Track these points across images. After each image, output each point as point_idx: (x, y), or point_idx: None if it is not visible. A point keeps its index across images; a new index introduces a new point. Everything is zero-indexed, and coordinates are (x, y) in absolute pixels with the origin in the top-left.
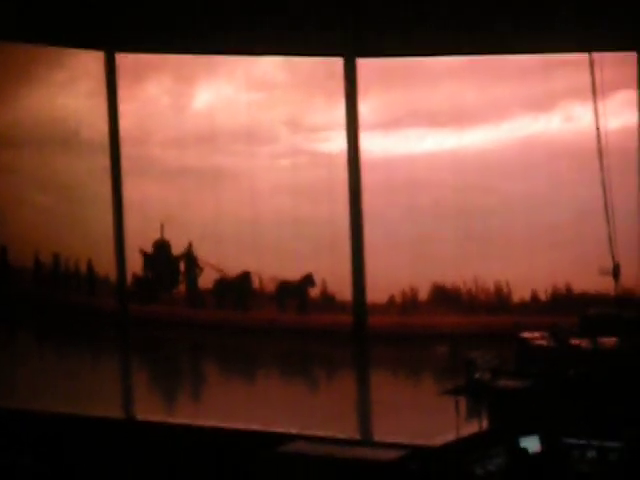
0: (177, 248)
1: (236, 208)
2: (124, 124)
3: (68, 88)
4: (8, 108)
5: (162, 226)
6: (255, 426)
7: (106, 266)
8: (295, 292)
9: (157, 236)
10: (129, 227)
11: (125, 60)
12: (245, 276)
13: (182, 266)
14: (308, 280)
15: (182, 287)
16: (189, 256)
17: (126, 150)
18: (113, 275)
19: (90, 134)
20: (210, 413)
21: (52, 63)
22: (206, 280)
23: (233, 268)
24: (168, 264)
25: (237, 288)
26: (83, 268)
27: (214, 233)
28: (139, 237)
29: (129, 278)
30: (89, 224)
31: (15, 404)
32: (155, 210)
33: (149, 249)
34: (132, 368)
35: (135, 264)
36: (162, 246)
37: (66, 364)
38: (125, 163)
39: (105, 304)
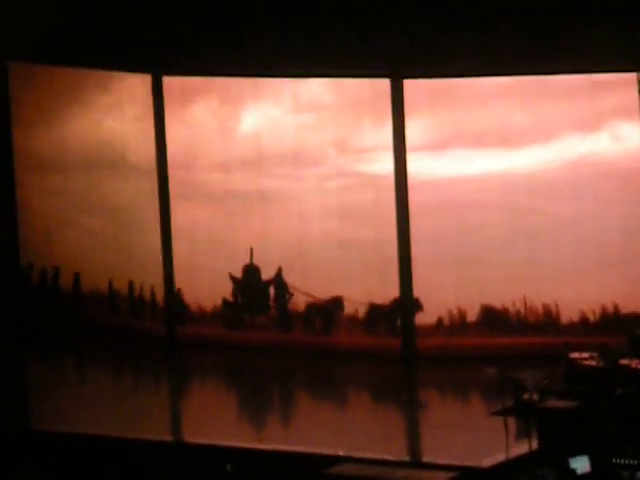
0: (224, 270)
1: (283, 231)
2: (170, 147)
3: (115, 112)
4: (55, 132)
5: (251, 251)
6: (301, 447)
7: (154, 289)
8: (387, 317)
9: (203, 259)
10: (176, 251)
11: (172, 83)
12: (336, 301)
13: (272, 291)
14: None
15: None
16: (279, 281)
17: (173, 173)
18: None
19: (137, 158)
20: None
21: (99, 87)
22: (295, 305)
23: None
24: (258, 289)
25: (327, 313)
26: (131, 291)
27: (262, 256)
28: (186, 260)
29: (219, 303)
30: (136, 247)
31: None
32: (202, 234)
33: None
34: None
35: (221, 289)
36: (251, 271)
37: (118, 388)
38: (172, 186)
39: (153, 327)
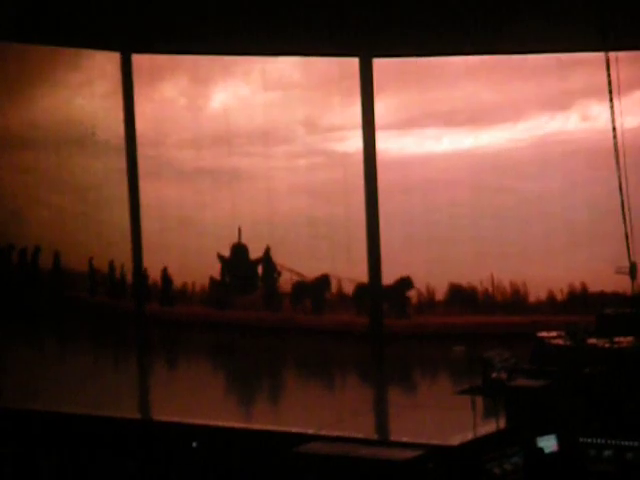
0: (194, 249)
1: (252, 209)
2: (140, 125)
3: (84, 89)
4: (25, 109)
5: (240, 230)
6: (270, 426)
7: (122, 267)
8: (392, 295)
9: (173, 237)
10: (145, 228)
11: (141, 61)
12: (323, 279)
13: (260, 270)
14: (406, 283)
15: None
16: (267, 260)
17: (142, 151)
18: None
19: (106, 135)
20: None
21: (69, 65)
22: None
23: None
24: (246, 268)
25: (315, 291)
26: (100, 269)
27: (230, 234)
28: (155, 238)
29: (207, 282)
30: (105, 225)
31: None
32: (171, 211)
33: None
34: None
35: (209, 268)
36: (240, 250)
37: (91, 365)
38: (141, 164)
39: (123, 305)
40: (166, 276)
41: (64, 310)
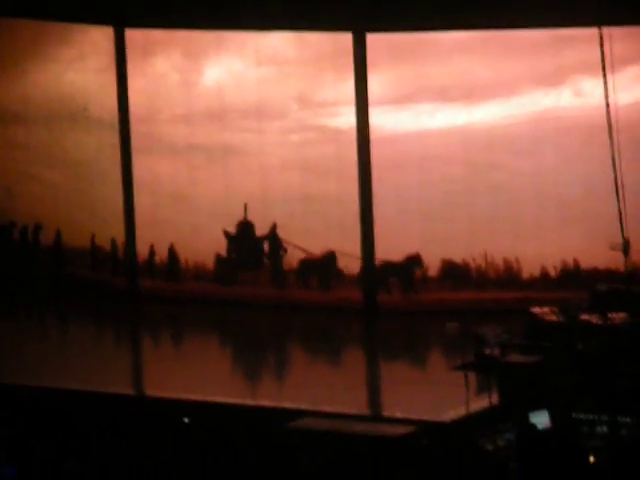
0: (185, 225)
1: (245, 184)
2: (133, 100)
3: (77, 64)
4: (17, 84)
5: (246, 206)
6: (265, 402)
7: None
8: (400, 272)
9: (166, 213)
10: (138, 203)
11: (134, 36)
12: (330, 256)
13: (266, 247)
14: (415, 261)
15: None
16: (273, 237)
17: (135, 127)
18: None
19: (99, 111)
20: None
21: (61, 39)
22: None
23: None
24: (252, 245)
25: (321, 268)
26: (89, 244)
27: (223, 210)
28: (148, 214)
29: (212, 259)
30: (98, 200)
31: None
32: (164, 187)
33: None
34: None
35: (220, 244)
36: (246, 227)
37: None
38: (134, 140)
39: (114, 280)
40: (172, 253)
41: (63, 287)
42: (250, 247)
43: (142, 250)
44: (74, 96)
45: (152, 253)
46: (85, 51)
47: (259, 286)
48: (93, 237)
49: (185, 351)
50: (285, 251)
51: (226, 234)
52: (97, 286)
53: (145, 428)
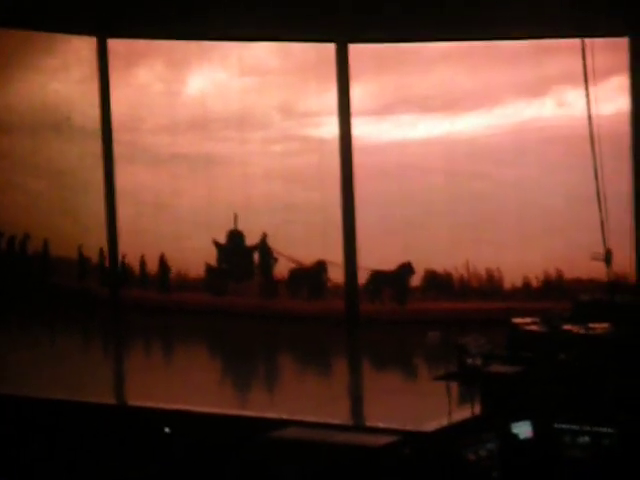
0: (168, 235)
1: (228, 194)
2: (115, 110)
3: (60, 74)
4: (1, 94)
5: (236, 216)
6: (247, 412)
7: (97, 251)
8: (392, 281)
9: (149, 222)
10: (121, 213)
11: (117, 46)
12: (320, 265)
13: (256, 257)
14: (407, 269)
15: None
16: (263, 247)
17: (118, 136)
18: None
19: (82, 120)
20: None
21: (44, 49)
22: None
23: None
24: (242, 255)
25: (312, 277)
26: (74, 253)
27: (206, 219)
28: (131, 223)
29: (202, 268)
30: (81, 209)
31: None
32: (147, 196)
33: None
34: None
35: (204, 254)
36: (236, 236)
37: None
38: (117, 149)
39: (100, 290)
40: (163, 262)
41: (49, 297)
42: (240, 257)
43: (132, 260)
44: (58, 105)
45: (143, 263)
46: (69, 61)
47: (249, 296)
48: (79, 247)
49: (171, 361)
50: (275, 261)
51: (216, 244)
52: (83, 295)
53: (127, 438)
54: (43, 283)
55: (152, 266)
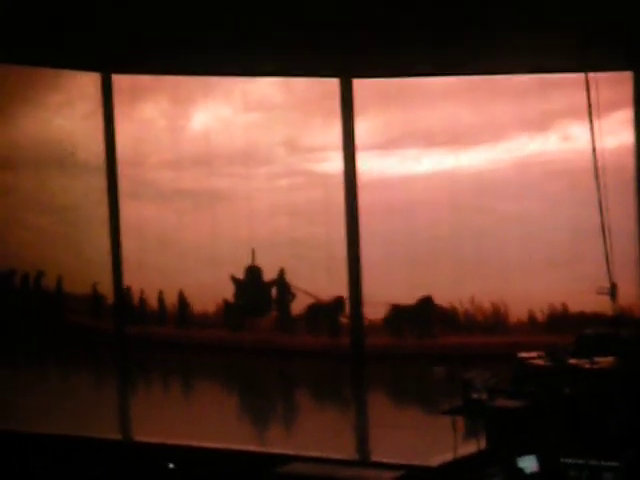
0: (170, 271)
1: (232, 229)
2: (120, 146)
3: (64, 110)
4: (5, 129)
5: (253, 252)
6: (251, 447)
7: (103, 286)
8: (412, 316)
9: (153, 258)
10: (126, 248)
11: (121, 82)
12: (338, 301)
13: (274, 292)
14: (428, 303)
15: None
16: (281, 282)
17: (122, 172)
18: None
19: (86, 156)
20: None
21: (48, 85)
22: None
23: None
24: (260, 290)
25: (330, 313)
26: (80, 289)
27: (210, 255)
28: (136, 258)
29: (219, 304)
30: (85, 245)
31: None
32: (151, 232)
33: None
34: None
35: (221, 290)
36: (253, 272)
37: (71, 386)
38: (121, 185)
39: (104, 326)
40: (182, 299)
41: (59, 334)
42: (258, 292)
43: (143, 295)
44: (62, 141)
45: (161, 299)
46: (73, 97)
47: (266, 331)
48: (94, 284)
49: (178, 397)
50: (293, 296)
51: (234, 279)
52: (93, 332)
53: (132, 474)
54: (56, 321)
55: (153, 301)
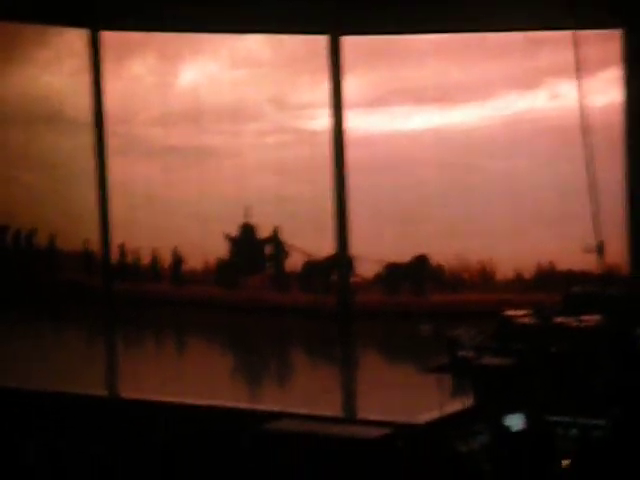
0: (159, 228)
1: (220, 186)
2: (108, 102)
3: (52, 66)
4: None
5: (247, 210)
6: (240, 404)
7: (92, 244)
8: (408, 274)
9: (141, 214)
10: (114, 205)
11: (109, 38)
12: (333, 259)
13: (268, 250)
14: (423, 261)
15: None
16: (275, 240)
17: (110, 128)
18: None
19: (74, 113)
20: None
21: (36, 41)
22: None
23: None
24: (254, 248)
25: (324, 272)
26: (70, 246)
27: (199, 212)
28: (125, 215)
29: (213, 262)
30: (75, 202)
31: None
32: (140, 189)
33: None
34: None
35: (209, 248)
36: (247, 230)
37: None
38: (109, 141)
39: (92, 282)
40: (177, 256)
41: (56, 293)
42: (252, 250)
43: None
44: (50, 98)
45: (155, 258)
46: (61, 53)
47: (260, 290)
48: (85, 241)
49: (170, 353)
50: (287, 254)
51: (228, 237)
52: (84, 289)
53: (121, 430)
54: (47, 277)
55: (151, 259)
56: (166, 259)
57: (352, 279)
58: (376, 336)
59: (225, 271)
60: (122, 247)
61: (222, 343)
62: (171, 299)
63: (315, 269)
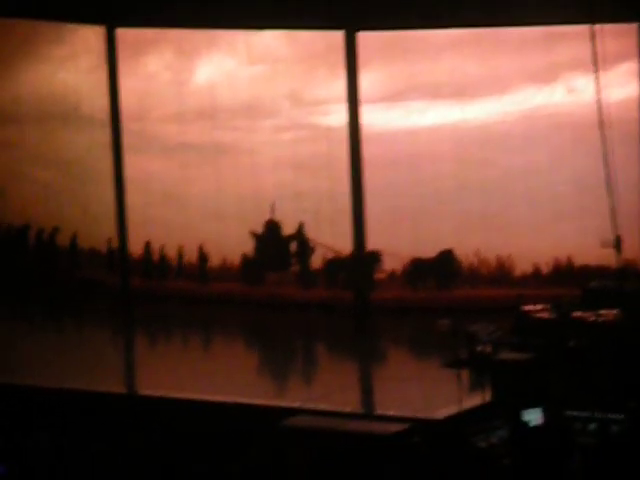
0: (178, 225)
1: (237, 183)
2: (124, 99)
3: (69, 63)
4: (9, 84)
5: (273, 206)
6: (257, 400)
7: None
8: (433, 269)
9: (156, 212)
10: (131, 202)
11: (126, 35)
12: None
13: (293, 247)
14: (448, 256)
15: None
16: (300, 237)
17: (126, 125)
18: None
19: (91, 110)
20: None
21: (53, 39)
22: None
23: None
24: (279, 245)
25: (349, 268)
26: (81, 243)
27: (215, 209)
28: (139, 212)
29: (239, 259)
30: (92, 200)
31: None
32: (156, 186)
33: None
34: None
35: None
36: (273, 227)
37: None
38: (126, 139)
39: (109, 279)
40: (202, 254)
41: (74, 289)
42: (277, 247)
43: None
44: (66, 95)
45: (180, 255)
46: (77, 50)
47: (285, 286)
48: (90, 238)
49: (186, 350)
50: (312, 250)
51: (253, 234)
52: (103, 287)
53: (137, 426)
54: (69, 275)
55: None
56: (189, 256)
57: (377, 275)
58: (402, 331)
59: (250, 268)
60: (147, 245)
61: (249, 341)
62: (197, 296)
63: (339, 265)
